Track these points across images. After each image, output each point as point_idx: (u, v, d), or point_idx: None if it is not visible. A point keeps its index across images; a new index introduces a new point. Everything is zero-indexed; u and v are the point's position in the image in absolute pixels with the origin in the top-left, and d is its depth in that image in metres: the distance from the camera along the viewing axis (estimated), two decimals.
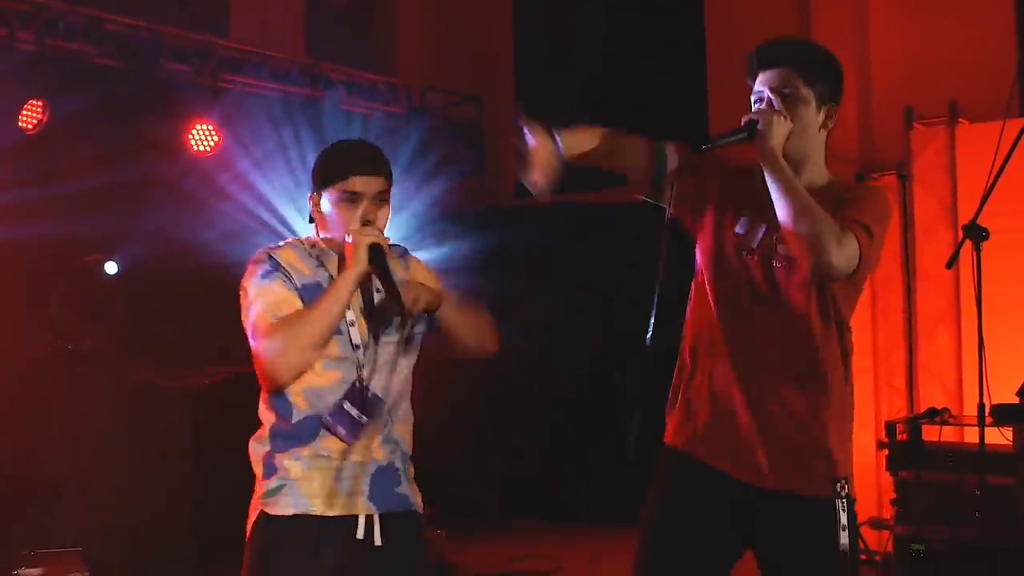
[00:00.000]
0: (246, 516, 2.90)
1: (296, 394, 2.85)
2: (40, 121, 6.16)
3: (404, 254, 3.09)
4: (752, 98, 3.04)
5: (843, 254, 2.82)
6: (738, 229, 3.03)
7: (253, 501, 2.90)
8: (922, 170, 6.75)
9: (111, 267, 6.49)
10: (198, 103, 6.97)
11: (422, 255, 8.53)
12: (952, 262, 4.99)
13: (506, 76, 9.84)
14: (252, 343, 2.83)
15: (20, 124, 6.11)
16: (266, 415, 2.91)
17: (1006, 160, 4.39)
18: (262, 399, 2.93)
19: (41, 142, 6.11)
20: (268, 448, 2.88)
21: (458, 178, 8.32)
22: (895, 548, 5.52)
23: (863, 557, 6.71)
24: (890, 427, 5.65)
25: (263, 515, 2.85)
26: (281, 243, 2.99)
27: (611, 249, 7.81)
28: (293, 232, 7.30)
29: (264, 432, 2.91)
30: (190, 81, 7.02)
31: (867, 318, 7.11)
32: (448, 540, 6.80)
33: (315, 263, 2.93)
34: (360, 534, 2.84)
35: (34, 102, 6.14)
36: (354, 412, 2.85)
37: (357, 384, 2.85)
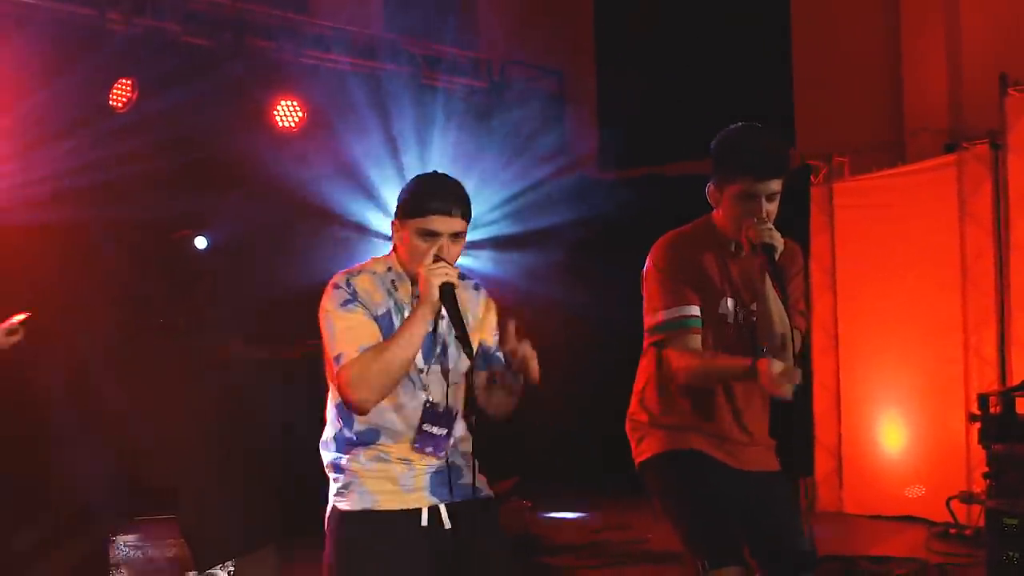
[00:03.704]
0: (326, 502, 3.10)
1: None
2: (130, 99, 6.27)
3: (477, 287, 3.20)
4: (743, 193, 3.31)
5: None
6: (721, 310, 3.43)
7: (328, 498, 3.10)
8: (1017, 139, 6.58)
9: (200, 242, 6.60)
10: (283, 79, 7.04)
11: (503, 229, 8.55)
12: None
13: (587, 49, 9.80)
14: (334, 368, 2.97)
15: (111, 103, 6.22)
16: (332, 420, 3.10)
17: None
18: (330, 403, 3.11)
19: (131, 120, 6.21)
20: (334, 450, 3.07)
21: (541, 151, 8.32)
22: (987, 522, 5.42)
23: (952, 532, 6.62)
24: (983, 400, 5.54)
25: (335, 510, 3.06)
26: (358, 268, 3.10)
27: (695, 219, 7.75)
28: (380, 207, 7.36)
29: (329, 435, 3.10)
30: (274, 58, 7.09)
31: (957, 291, 6.99)
32: (533, 511, 6.84)
33: (388, 289, 3.06)
34: (424, 522, 3.00)
35: (124, 81, 6.25)
36: (434, 430, 3.03)
37: (428, 404, 3.02)
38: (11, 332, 4.63)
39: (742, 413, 3.45)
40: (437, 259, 2.96)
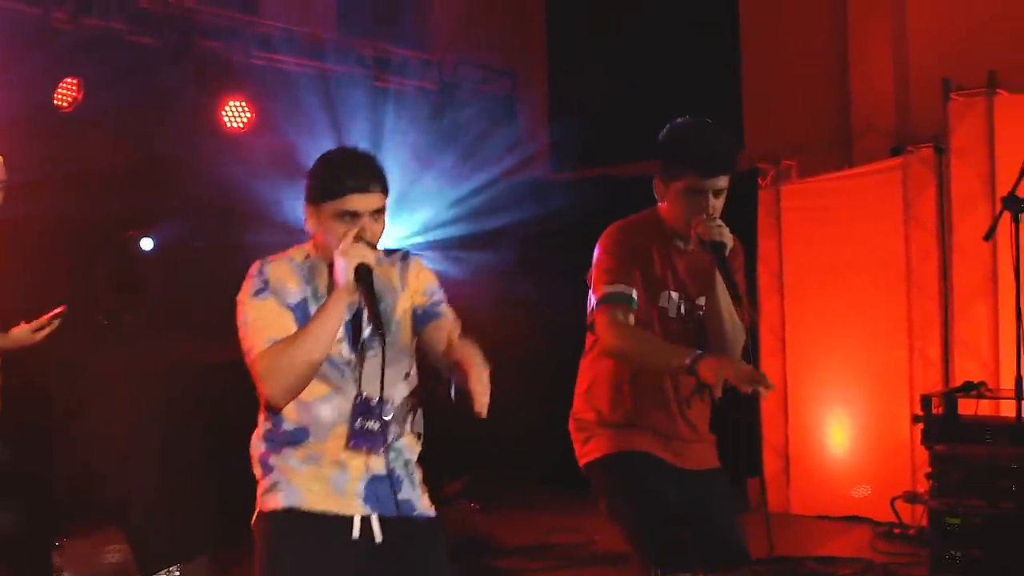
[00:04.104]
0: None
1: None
2: (75, 99, 6.20)
3: (405, 257, 3.03)
4: (690, 188, 3.32)
5: None
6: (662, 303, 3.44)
7: (256, 502, 2.92)
8: (960, 142, 6.66)
9: (147, 243, 6.54)
10: (231, 80, 6.99)
11: (456, 230, 8.51)
12: (990, 234, 4.95)
13: (539, 51, 9.81)
14: (248, 362, 2.82)
15: (55, 103, 6.15)
16: (262, 418, 2.94)
17: None
18: (261, 402, 2.93)
19: (76, 120, 6.14)
20: (263, 449, 2.91)
21: (493, 152, 8.32)
22: (930, 522, 5.49)
23: (897, 532, 6.70)
24: (926, 401, 5.61)
25: (260, 512, 2.89)
26: (276, 256, 2.94)
27: None
28: None
29: (260, 433, 2.93)
30: (223, 58, 7.04)
31: (902, 293, 7.07)
32: (481, 513, 6.84)
33: (305, 277, 2.90)
34: (355, 534, 2.82)
35: (69, 80, 6.18)
36: (369, 425, 2.84)
37: (359, 398, 2.84)
38: (39, 328, 4.54)
39: (688, 408, 3.46)
40: (357, 239, 2.79)
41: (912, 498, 6.44)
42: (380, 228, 2.87)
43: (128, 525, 5.58)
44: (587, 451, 3.51)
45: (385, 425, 2.85)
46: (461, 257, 8.24)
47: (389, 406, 2.88)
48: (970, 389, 5.70)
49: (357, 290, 2.77)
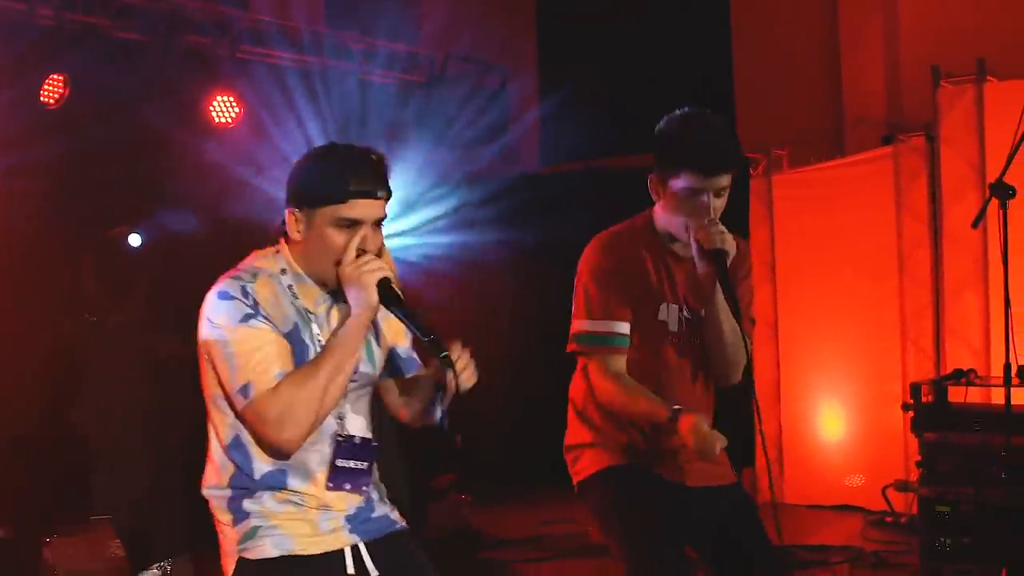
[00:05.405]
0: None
1: (256, 445, 2.51)
2: (62, 96, 6.17)
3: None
4: (689, 188, 3.04)
5: None
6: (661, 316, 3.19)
7: (225, 548, 2.58)
8: (949, 130, 6.65)
9: (135, 240, 6.52)
10: (219, 75, 6.97)
11: (444, 225, 8.46)
12: (978, 221, 4.92)
13: (529, 44, 9.79)
14: (241, 402, 2.42)
15: (42, 99, 6.12)
16: (220, 462, 2.55)
17: None
18: (214, 443, 2.57)
19: (63, 116, 6.12)
20: (229, 495, 2.55)
21: (481, 146, 8.31)
22: (920, 510, 5.49)
23: (888, 520, 6.70)
24: (915, 389, 5.60)
25: (244, 562, 2.53)
26: (248, 269, 2.54)
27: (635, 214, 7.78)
28: None
29: (221, 480, 2.55)
30: (210, 53, 7.01)
31: (894, 281, 7.06)
32: (472, 506, 6.83)
33: (289, 297, 2.52)
34: (351, 568, 2.58)
35: (55, 77, 6.15)
36: (351, 464, 2.56)
37: (341, 436, 2.55)
38: None
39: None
40: (360, 253, 2.45)
41: (903, 486, 6.43)
42: (380, 240, 2.54)
43: (119, 520, 5.57)
44: (578, 470, 3.28)
45: (369, 462, 2.62)
46: (449, 252, 8.22)
47: (372, 440, 2.63)
48: (960, 377, 5.68)
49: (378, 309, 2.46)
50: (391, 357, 2.68)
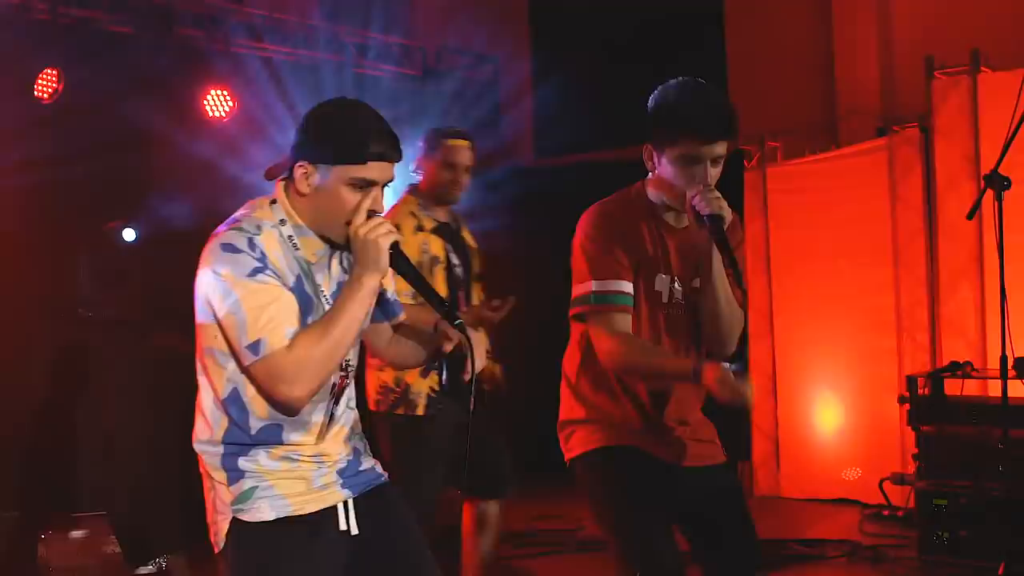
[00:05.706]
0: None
1: (254, 399, 2.52)
2: (56, 90, 6.14)
3: None
4: (686, 156, 3.04)
5: None
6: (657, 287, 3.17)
7: (217, 506, 2.58)
8: (944, 121, 6.65)
9: (129, 234, 6.49)
10: (212, 69, 6.95)
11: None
12: (973, 212, 4.92)
13: (522, 36, 9.76)
14: (250, 358, 2.41)
15: (36, 94, 6.10)
16: (213, 417, 2.55)
17: None
18: (207, 398, 2.57)
19: (57, 111, 6.09)
20: (222, 451, 2.55)
21: (475, 138, 8.28)
22: (917, 503, 5.50)
23: (885, 513, 6.70)
24: (911, 381, 5.61)
25: (238, 523, 2.54)
26: (250, 220, 2.51)
27: None
28: None
29: (213, 435, 2.55)
30: (204, 47, 6.99)
31: (889, 274, 7.06)
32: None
33: (290, 249, 2.51)
34: (343, 525, 2.62)
35: (49, 71, 6.13)
36: (341, 410, 2.66)
37: (334, 384, 2.60)
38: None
39: (681, 401, 3.22)
40: (372, 214, 2.47)
41: (900, 479, 6.44)
42: (384, 201, 2.60)
43: (115, 516, 5.55)
44: (571, 447, 3.28)
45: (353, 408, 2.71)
46: None
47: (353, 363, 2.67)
48: (956, 369, 5.70)
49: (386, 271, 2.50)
50: (378, 300, 2.67)
